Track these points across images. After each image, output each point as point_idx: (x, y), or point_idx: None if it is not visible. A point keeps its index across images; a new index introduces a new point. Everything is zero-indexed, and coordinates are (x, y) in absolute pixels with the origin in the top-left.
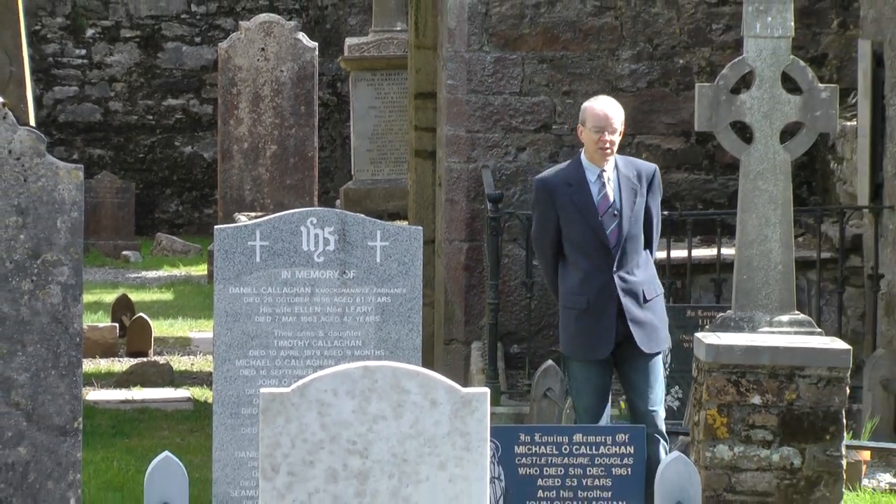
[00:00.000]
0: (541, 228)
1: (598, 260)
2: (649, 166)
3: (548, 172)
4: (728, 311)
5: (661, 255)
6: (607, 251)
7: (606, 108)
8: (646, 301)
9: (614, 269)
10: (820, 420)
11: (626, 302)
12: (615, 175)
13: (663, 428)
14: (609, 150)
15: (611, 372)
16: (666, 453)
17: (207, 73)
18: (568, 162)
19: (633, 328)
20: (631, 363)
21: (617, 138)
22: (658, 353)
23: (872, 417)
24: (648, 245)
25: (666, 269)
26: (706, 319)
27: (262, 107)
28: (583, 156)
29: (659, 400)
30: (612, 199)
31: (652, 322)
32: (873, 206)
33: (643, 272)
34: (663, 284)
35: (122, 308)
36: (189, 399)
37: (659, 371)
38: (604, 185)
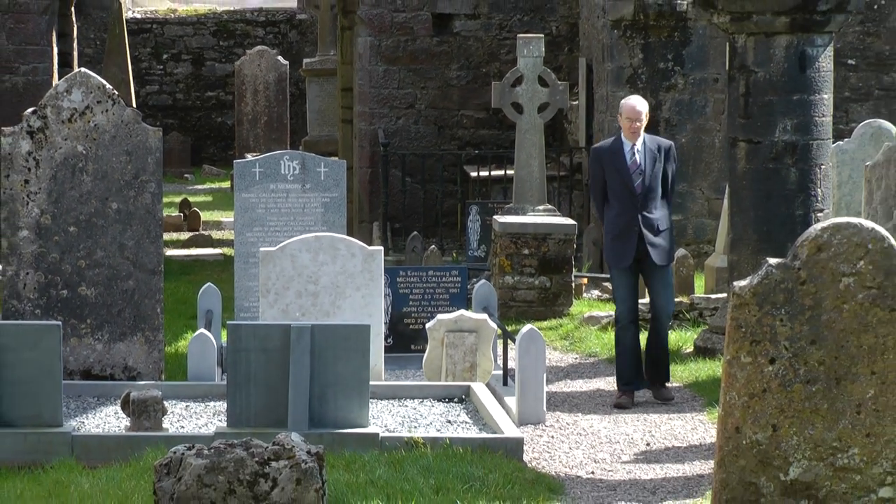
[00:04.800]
0: (594, 180)
1: (628, 203)
2: (667, 143)
3: (600, 144)
4: (510, 204)
5: (474, 174)
6: (634, 197)
7: (636, 105)
8: (659, 231)
9: (640, 208)
10: (560, 262)
11: (645, 231)
12: (643, 148)
13: (671, 313)
14: (636, 133)
15: (636, 277)
16: (666, 332)
17: (229, 78)
18: (613, 138)
19: (649, 249)
20: (650, 272)
21: (642, 123)
22: (668, 265)
23: (588, 261)
24: (666, 195)
25: (477, 184)
26: (499, 208)
27: (259, 97)
28: (622, 134)
29: (670, 295)
30: (639, 162)
31: (662, 245)
32: (587, 147)
33: (659, 212)
34: (475, 193)
35: (184, 205)
36: (222, 254)
37: (670, 276)
38: (635, 154)
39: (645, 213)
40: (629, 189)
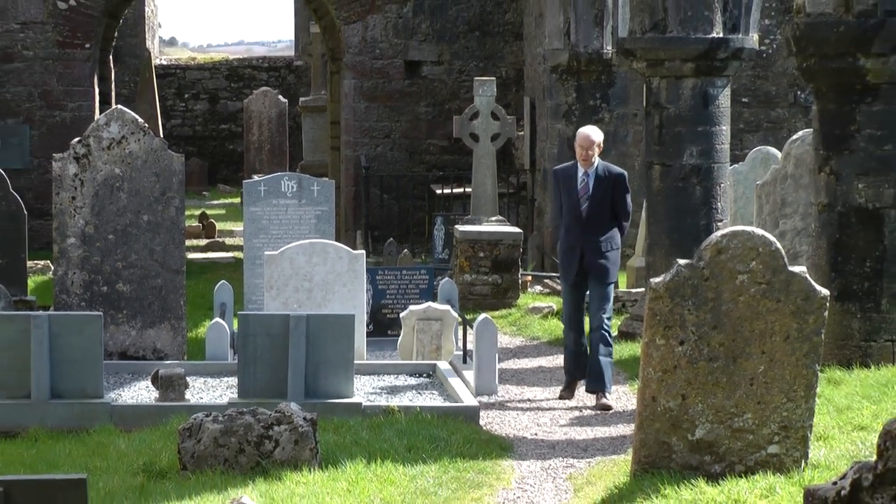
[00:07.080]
0: (553, 200)
1: (575, 223)
2: (619, 172)
3: (559, 167)
4: (469, 215)
5: (439, 191)
6: (581, 219)
7: (589, 134)
8: (602, 252)
9: (584, 230)
10: (509, 263)
11: (588, 251)
12: (594, 174)
13: (608, 326)
14: (588, 160)
15: (581, 290)
16: (606, 344)
17: (239, 113)
18: (571, 163)
19: (589, 268)
20: (592, 288)
21: (595, 150)
22: (608, 284)
23: (532, 262)
24: (617, 219)
25: (441, 199)
26: (459, 219)
27: (263, 128)
28: (578, 160)
29: (608, 310)
30: (588, 188)
31: (604, 265)
32: (530, 169)
33: (605, 234)
34: (440, 207)
35: (203, 217)
36: (233, 258)
37: (608, 293)
38: (586, 179)
39: (589, 235)
40: (577, 212)
